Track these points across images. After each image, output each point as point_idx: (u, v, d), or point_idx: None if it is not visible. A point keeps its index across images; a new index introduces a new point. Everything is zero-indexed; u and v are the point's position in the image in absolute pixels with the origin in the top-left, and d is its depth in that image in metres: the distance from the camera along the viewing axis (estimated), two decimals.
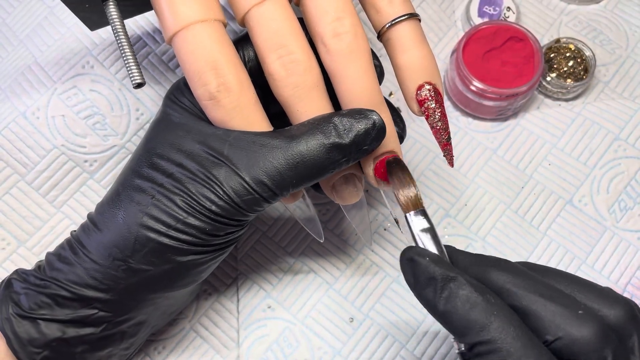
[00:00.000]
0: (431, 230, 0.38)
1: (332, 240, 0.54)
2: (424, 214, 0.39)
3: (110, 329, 0.43)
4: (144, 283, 0.41)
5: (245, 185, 0.39)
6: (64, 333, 0.41)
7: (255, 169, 0.38)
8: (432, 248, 0.38)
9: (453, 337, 0.36)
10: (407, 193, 0.39)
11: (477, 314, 0.34)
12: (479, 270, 0.36)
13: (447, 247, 0.39)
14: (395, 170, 0.40)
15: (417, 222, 0.38)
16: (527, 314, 0.34)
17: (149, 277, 0.41)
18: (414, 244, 0.38)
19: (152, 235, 0.40)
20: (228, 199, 0.39)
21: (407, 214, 0.39)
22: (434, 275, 0.35)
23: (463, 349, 0.36)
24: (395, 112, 0.44)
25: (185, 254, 0.40)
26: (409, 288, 0.39)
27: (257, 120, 0.40)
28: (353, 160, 0.40)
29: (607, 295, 0.36)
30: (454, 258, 0.38)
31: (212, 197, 0.39)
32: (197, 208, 0.39)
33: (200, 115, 0.41)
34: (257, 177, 0.38)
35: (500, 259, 0.38)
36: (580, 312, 0.34)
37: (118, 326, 0.43)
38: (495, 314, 0.33)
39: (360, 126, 0.39)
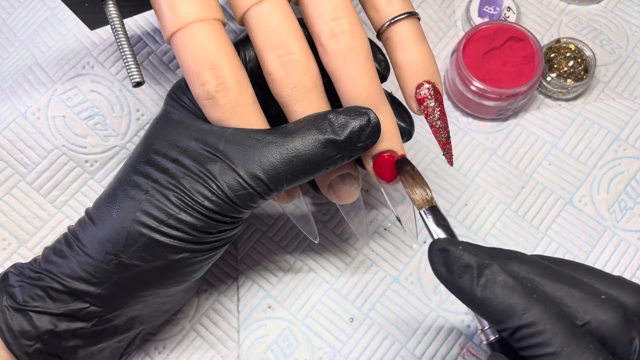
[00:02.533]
0: (447, 225, 0.39)
1: (333, 240, 0.54)
2: (437, 208, 0.39)
3: (102, 325, 0.43)
4: (135, 279, 0.41)
5: (240, 179, 0.39)
6: (56, 326, 0.41)
7: (251, 164, 0.39)
8: None
9: (482, 328, 0.37)
10: (420, 190, 0.40)
11: (517, 298, 0.34)
12: (498, 262, 0.36)
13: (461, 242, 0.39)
14: (405, 168, 0.41)
15: (433, 217, 0.39)
16: (553, 301, 0.35)
17: (140, 273, 0.41)
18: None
19: (144, 230, 0.40)
20: (222, 194, 0.39)
21: (421, 211, 0.39)
22: (469, 262, 0.35)
23: (492, 339, 0.36)
24: (402, 107, 0.44)
25: (177, 252, 0.40)
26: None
27: (254, 120, 0.40)
28: (348, 157, 0.40)
29: (622, 282, 0.36)
30: (469, 252, 0.38)
31: (206, 192, 0.39)
32: (190, 204, 0.39)
33: (200, 113, 0.42)
34: (252, 172, 0.39)
35: (514, 251, 0.38)
36: (603, 296, 0.34)
37: (110, 322, 0.43)
38: (535, 298, 0.34)
39: (355, 123, 0.39)
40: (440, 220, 0.39)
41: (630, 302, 0.35)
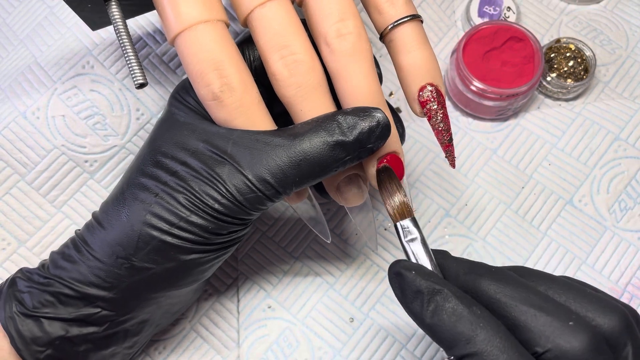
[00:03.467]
0: (420, 239, 0.38)
1: (333, 240, 0.54)
2: (413, 222, 0.38)
3: (114, 328, 0.43)
4: (147, 282, 0.41)
5: (248, 183, 0.39)
6: (67, 332, 0.41)
7: (259, 167, 0.38)
8: (421, 256, 0.38)
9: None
10: (394, 203, 0.39)
11: (463, 327, 0.33)
12: (469, 279, 0.36)
13: (440, 252, 0.39)
14: (383, 179, 0.40)
15: (406, 231, 0.38)
16: (517, 325, 0.34)
17: (151, 276, 0.41)
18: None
19: (156, 233, 0.40)
20: (231, 197, 0.39)
21: (396, 223, 0.39)
22: (420, 288, 0.35)
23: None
24: (394, 114, 0.44)
25: (188, 253, 0.40)
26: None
27: (260, 120, 0.40)
28: (357, 159, 0.40)
29: (602, 302, 0.35)
30: (446, 265, 0.38)
31: (216, 195, 0.39)
32: (201, 206, 0.39)
33: (205, 114, 0.41)
34: (260, 175, 0.38)
35: (491, 267, 0.37)
36: (570, 323, 0.33)
37: (121, 325, 0.43)
38: (482, 326, 0.33)
39: (365, 124, 0.38)
40: (413, 235, 0.38)
41: (606, 325, 0.34)
